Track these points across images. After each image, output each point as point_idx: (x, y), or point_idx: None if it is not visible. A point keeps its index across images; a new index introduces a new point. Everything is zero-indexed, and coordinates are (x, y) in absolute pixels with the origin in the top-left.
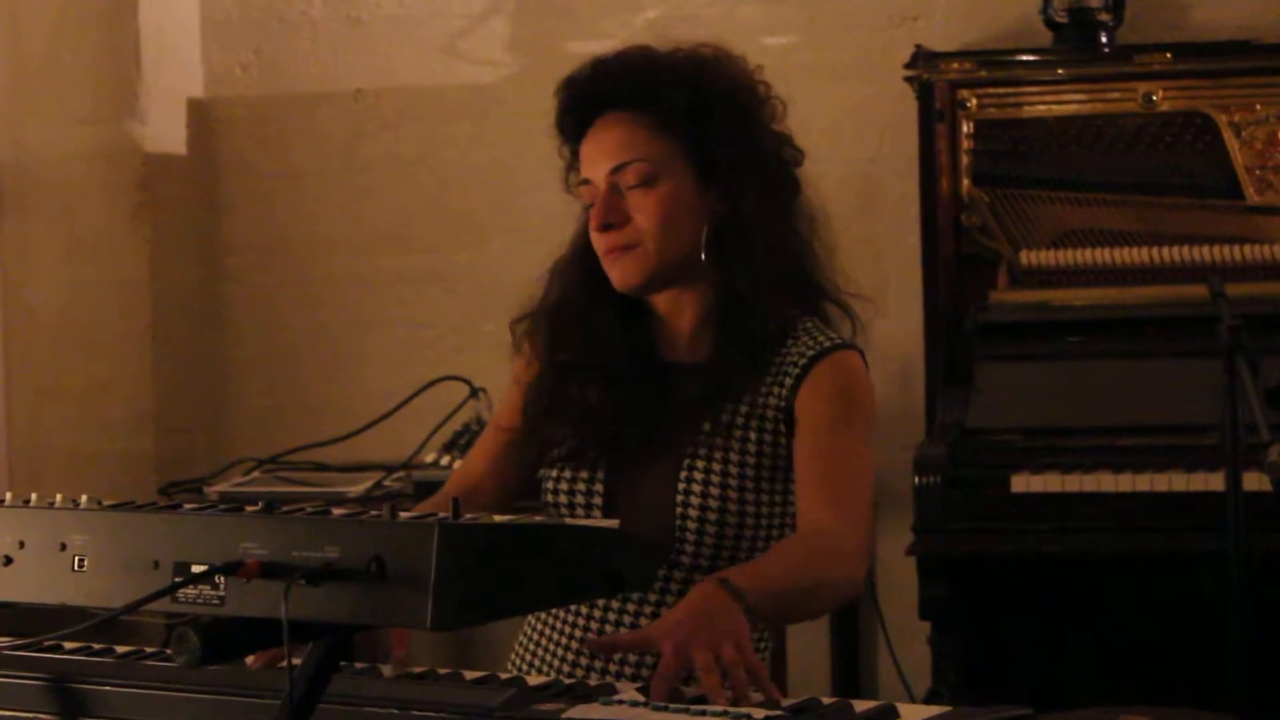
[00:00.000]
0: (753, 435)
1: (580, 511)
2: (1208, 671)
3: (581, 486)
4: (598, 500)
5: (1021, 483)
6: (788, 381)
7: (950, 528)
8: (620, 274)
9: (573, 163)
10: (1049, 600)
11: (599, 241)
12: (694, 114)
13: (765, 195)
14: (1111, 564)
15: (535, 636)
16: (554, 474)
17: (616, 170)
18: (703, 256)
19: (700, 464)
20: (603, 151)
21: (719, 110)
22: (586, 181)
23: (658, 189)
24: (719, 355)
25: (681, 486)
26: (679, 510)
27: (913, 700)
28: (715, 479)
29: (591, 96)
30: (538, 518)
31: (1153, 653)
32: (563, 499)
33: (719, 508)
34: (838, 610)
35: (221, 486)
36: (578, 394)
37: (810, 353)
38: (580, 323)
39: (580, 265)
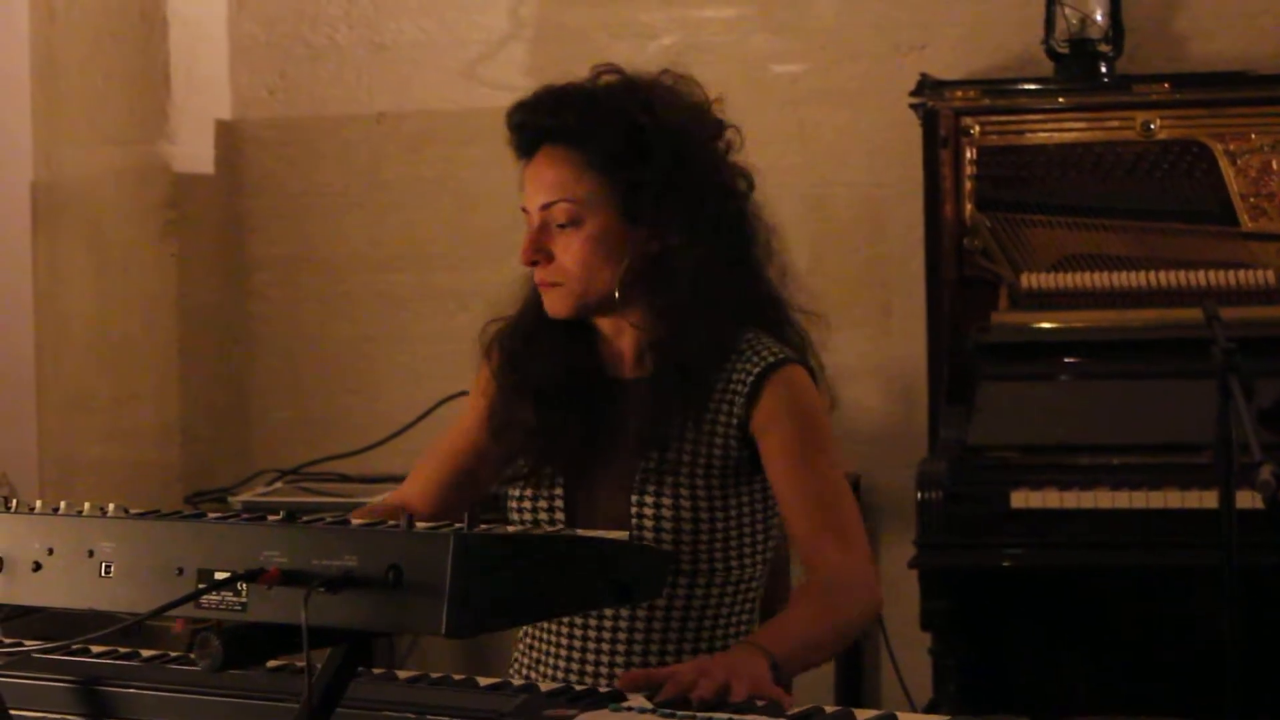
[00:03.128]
0: (703, 449)
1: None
2: (1202, 684)
3: (543, 504)
4: (559, 516)
5: (1021, 499)
6: (737, 399)
7: (952, 542)
8: (550, 305)
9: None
10: (1048, 613)
11: (535, 273)
12: (627, 155)
13: (699, 228)
14: (1108, 578)
15: (533, 643)
16: (515, 493)
17: (546, 207)
18: (616, 295)
19: (652, 479)
20: (537, 185)
21: (655, 150)
22: (523, 208)
23: (583, 230)
24: (657, 375)
25: (635, 498)
26: (634, 521)
27: (914, 710)
28: (665, 494)
29: (533, 127)
30: (549, 529)
31: (1150, 666)
32: (527, 516)
33: (672, 519)
34: None
35: (245, 496)
36: (529, 414)
37: (756, 369)
38: (530, 344)
39: (533, 286)
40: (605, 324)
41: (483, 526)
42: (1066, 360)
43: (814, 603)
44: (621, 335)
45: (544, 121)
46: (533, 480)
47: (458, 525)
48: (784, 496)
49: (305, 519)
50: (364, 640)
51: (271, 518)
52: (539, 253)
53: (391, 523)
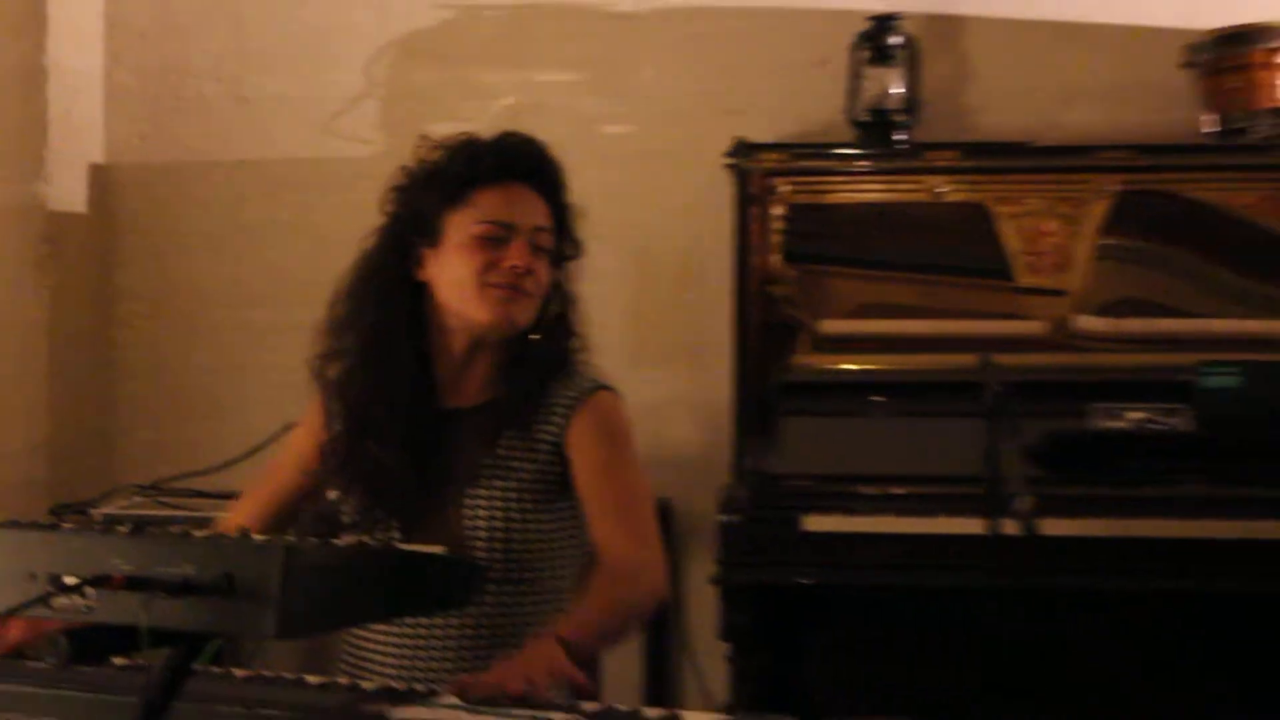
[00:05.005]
0: (528, 466)
1: None
2: (976, 689)
3: (384, 536)
4: (394, 532)
5: (813, 523)
6: (557, 419)
7: (749, 561)
8: (517, 314)
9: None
10: (836, 625)
11: (500, 276)
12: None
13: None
14: (891, 594)
15: (360, 646)
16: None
17: (539, 230)
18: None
19: (483, 494)
20: (531, 210)
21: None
22: (496, 222)
23: (546, 259)
24: (507, 397)
25: (468, 515)
26: (468, 536)
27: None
28: (498, 507)
29: (521, 162)
30: (373, 542)
31: (927, 672)
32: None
33: (504, 530)
34: (650, 629)
35: (106, 509)
36: (369, 454)
37: (574, 394)
38: (373, 380)
39: (385, 310)
40: (478, 348)
41: (311, 539)
42: (859, 399)
43: (604, 591)
44: (478, 359)
45: (529, 165)
46: (367, 520)
47: (288, 538)
48: (589, 502)
49: (151, 530)
50: (200, 641)
51: (120, 529)
52: (534, 262)
53: (228, 535)
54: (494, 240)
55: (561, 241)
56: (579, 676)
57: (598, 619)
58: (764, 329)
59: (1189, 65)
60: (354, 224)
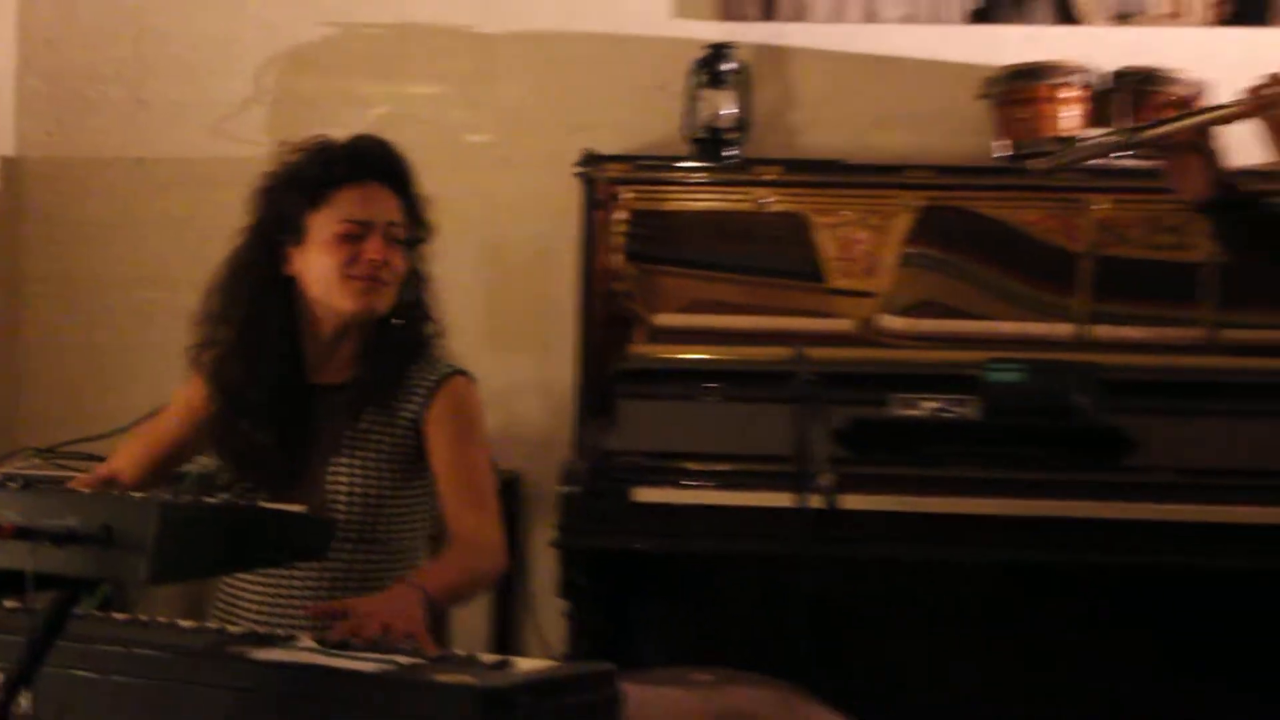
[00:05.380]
0: (386, 439)
1: None
2: (787, 643)
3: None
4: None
5: (644, 494)
6: (417, 400)
7: (586, 528)
8: (376, 301)
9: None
10: (663, 588)
11: (361, 269)
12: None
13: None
14: (713, 559)
15: (231, 594)
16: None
17: (392, 225)
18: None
19: (344, 463)
20: (382, 207)
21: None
22: (354, 220)
23: (400, 249)
24: (369, 376)
25: (330, 481)
26: (330, 500)
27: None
28: (358, 475)
29: (372, 163)
30: (240, 500)
31: (746, 629)
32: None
33: (362, 495)
34: (498, 587)
35: (4, 469)
36: (243, 432)
37: (434, 377)
38: (247, 367)
39: (257, 302)
40: (344, 330)
41: (185, 497)
42: (688, 386)
43: (457, 556)
44: (344, 340)
45: (381, 164)
46: (239, 487)
47: (164, 495)
48: (441, 478)
49: (40, 486)
50: (82, 585)
51: (11, 485)
52: (390, 254)
53: (109, 491)
54: (353, 236)
55: (413, 229)
56: (428, 643)
57: (452, 579)
58: (606, 321)
59: (985, 97)
60: (240, 219)
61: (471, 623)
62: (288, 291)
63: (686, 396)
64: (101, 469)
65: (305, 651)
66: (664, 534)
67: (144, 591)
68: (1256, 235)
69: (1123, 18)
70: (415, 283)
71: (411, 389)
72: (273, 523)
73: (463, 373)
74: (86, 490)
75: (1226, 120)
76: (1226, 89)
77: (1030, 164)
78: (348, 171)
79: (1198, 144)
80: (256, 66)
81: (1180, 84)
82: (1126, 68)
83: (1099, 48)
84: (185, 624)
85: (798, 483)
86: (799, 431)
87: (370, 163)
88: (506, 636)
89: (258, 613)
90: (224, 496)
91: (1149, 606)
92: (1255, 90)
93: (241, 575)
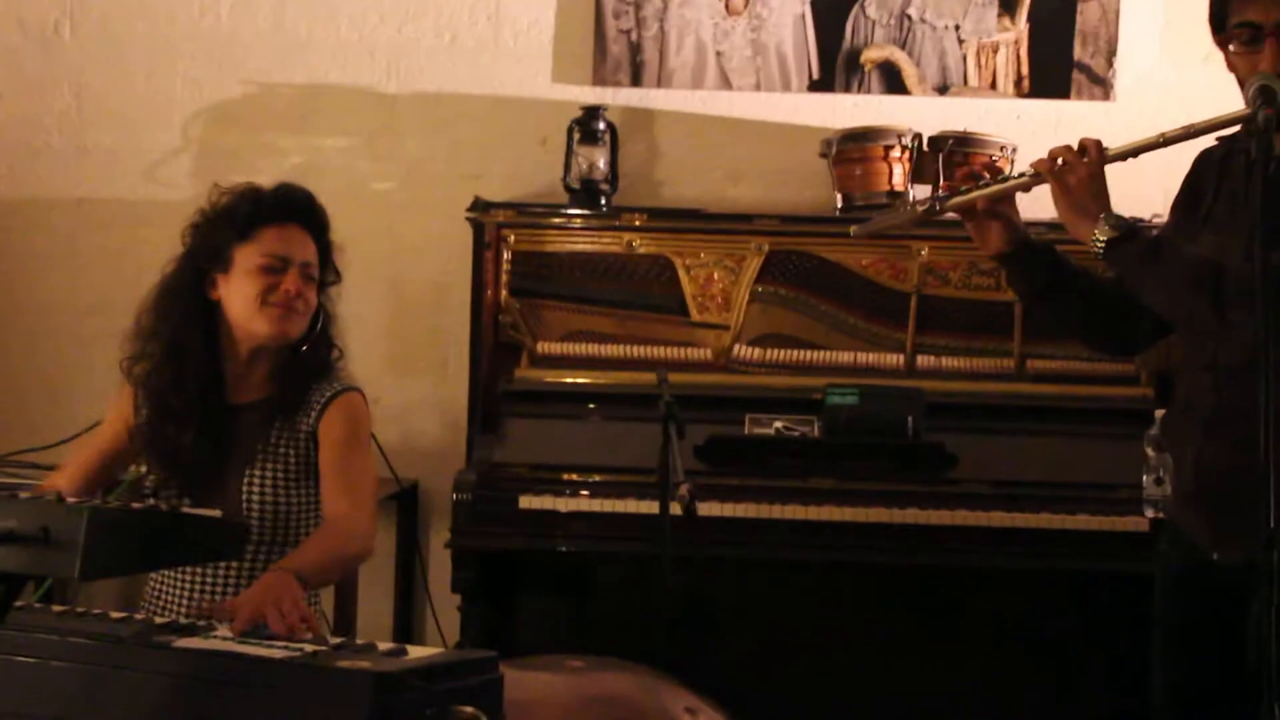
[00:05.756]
0: (293, 451)
1: None
2: (653, 633)
3: (175, 503)
4: (186, 499)
5: (527, 502)
6: (314, 414)
7: (476, 531)
8: (290, 326)
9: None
10: (546, 583)
11: (278, 298)
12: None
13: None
14: (588, 559)
15: (158, 589)
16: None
17: (308, 264)
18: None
19: (257, 473)
20: (300, 248)
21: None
22: (275, 255)
23: (314, 286)
24: (279, 395)
25: (244, 489)
26: (245, 506)
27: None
28: (268, 483)
29: (293, 207)
30: (163, 505)
31: (617, 621)
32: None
33: (272, 501)
34: (399, 583)
35: None
36: (169, 436)
37: (329, 393)
38: (174, 377)
39: (184, 322)
40: (257, 353)
41: (113, 501)
42: (567, 406)
43: (324, 539)
44: (258, 362)
45: (303, 210)
46: (164, 491)
47: (94, 501)
48: (324, 475)
49: None
50: (20, 580)
51: None
52: (305, 286)
53: (46, 497)
54: (273, 269)
55: (325, 271)
56: (312, 619)
57: (318, 558)
58: (494, 348)
59: (824, 155)
60: (169, 254)
61: (376, 615)
62: (212, 314)
63: (566, 415)
64: (48, 480)
65: (222, 640)
66: (545, 536)
67: (81, 586)
68: (1048, 287)
69: (942, 89)
70: (323, 317)
71: (311, 405)
72: (191, 526)
73: (355, 389)
74: (25, 496)
75: (1020, 188)
76: (1029, 150)
77: (853, 230)
78: (274, 212)
79: (995, 210)
80: (184, 119)
81: (990, 146)
82: (945, 132)
83: (922, 114)
84: (115, 615)
85: (662, 492)
86: (663, 447)
87: (294, 207)
88: (408, 627)
89: (182, 605)
90: (150, 501)
91: (968, 600)
92: (1043, 161)
93: (166, 572)
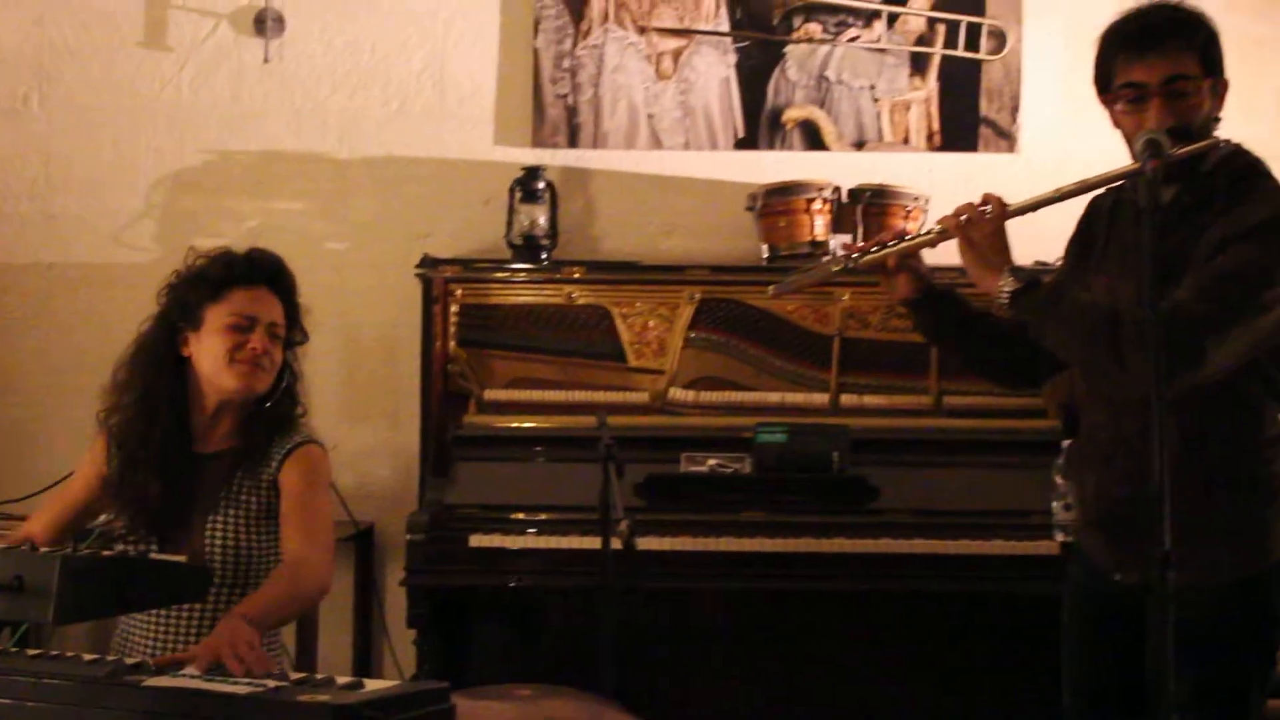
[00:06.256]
0: (255, 499)
1: None
2: (598, 661)
3: (143, 548)
4: (153, 544)
5: (477, 540)
6: (274, 463)
7: (429, 569)
8: (257, 382)
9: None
10: (496, 617)
11: (245, 355)
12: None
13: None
14: (534, 593)
15: (127, 631)
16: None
17: (274, 325)
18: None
19: (220, 519)
20: (268, 308)
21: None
22: (244, 314)
23: (280, 344)
24: (243, 446)
25: (209, 534)
26: (209, 551)
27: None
28: (230, 529)
29: (264, 271)
30: (132, 551)
31: (563, 650)
32: (129, 538)
33: (234, 546)
34: (358, 619)
35: None
36: (137, 484)
37: (290, 445)
38: (143, 428)
39: (155, 376)
40: (232, 405)
41: (85, 549)
42: (513, 449)
43: (282, 580)
44: (224, 416)
45: (272, 274)
46: (133, 536)
47: (65, 549)
48: (284, 520)
49: None
50: None
51: None
52: (272, 345)
53: (21, 546)
54: (241, 328)
55: (291, 331)
56: (264, 659)
57: (274, 601)
58: (444, 396)
59: (750, 209)
60: (135, 314)
61: (336, 650)
62: (182, 369)
63: (512, 458)
64: (23, 529)
65: (189, 678)
66: (495, 572)
67: (55, 630)
68: (951, 330)
69: (859, 145)
70: (288, 374)
71: (272, 455)
72: (158, 571)
73: (315, 442)
74: (2, 545)
75: (928, 244)
76: (941, 200)
77: (771, 290)
78: (244, 274)
79: (903, 264)
80: (148, 186)
81: (905, 198)
82: (863, 185)
83: (840, 169)
84: (88, 657)
85: (603, 528)
86: (604, 485)
87: (263, 270)
88: (367, 661)
89: (150, 646)
90: (119, 548)
91: (893, 623)
92: (949, 218)
93: (135, 615)
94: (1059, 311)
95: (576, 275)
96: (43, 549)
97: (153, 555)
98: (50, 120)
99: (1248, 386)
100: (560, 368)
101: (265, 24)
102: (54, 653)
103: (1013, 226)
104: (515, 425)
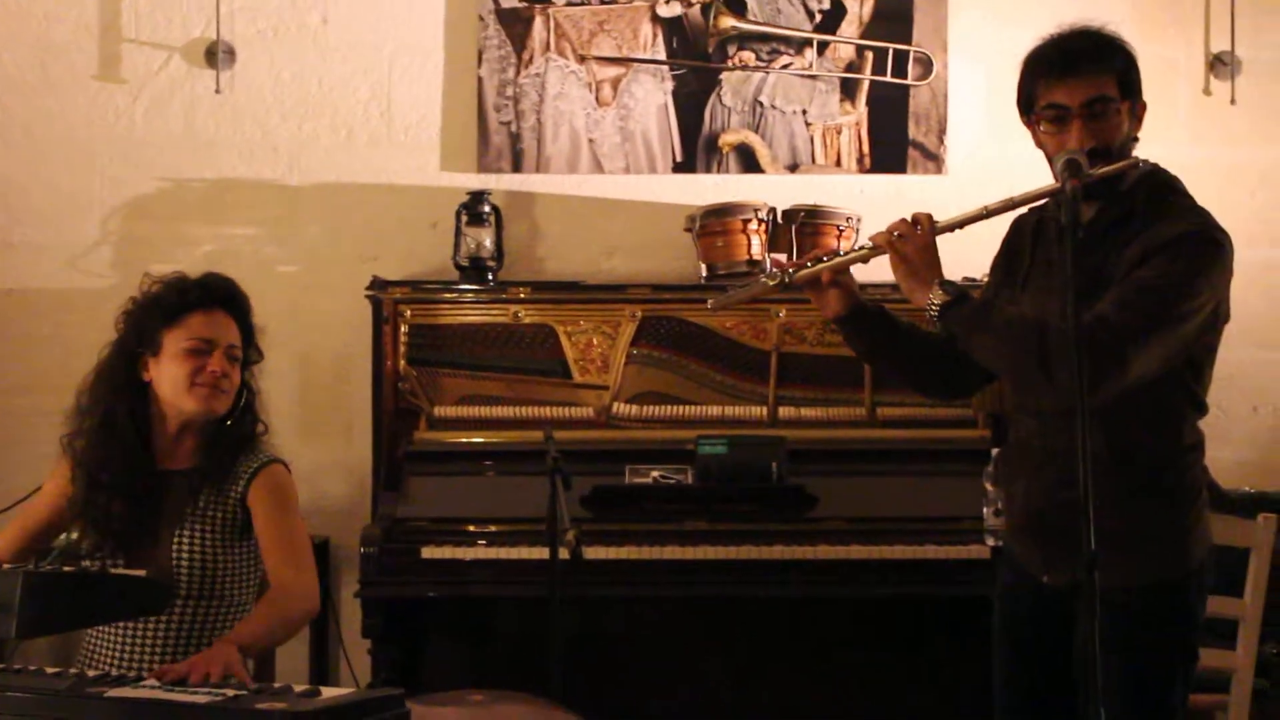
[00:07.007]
0: (219, 515)
1: None
2: (548, 667)
3: (106, 563)
4: (120, 558)
5: (429, 552)
6: (241, 482)
7: (383, 580)
8: (216, 403)
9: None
10: (449, 625)
11: (204, 378)
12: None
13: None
14: (486, 603)
15: (93, 643)
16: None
17: (232, 346)
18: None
19: (185, 535)
20: (225, 331)
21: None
22: (201, 339)
23: (238, 365)
24: (206, 464)
25: (174, 549)
26: (174, 566)
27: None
28: (196, 544)
29: (219, 295)
30: (94, 566)
31: (514, 657)
32: (96, 553)
33: (200, 561)
34: (314, 630)
35: None
36: (101, 504)
37: (255, 464)
38: (105, 451)
39: (115, 401)
40: (185, 425)
41: (47, 565)
42: (463, 463)
43: (270, 606)
44: (186, 433)
45: (227, 297)
46: (99, 554)
47: (28, 565)
48: (263, 541)
49: None
50: None
51: None
52: (231, 368)
53: None
54: (199, 351)
55: (248, 351)
56: (244, 676)
57: (264, 626)
58: (395, 413)
59: (689, 230)
60: (93, 338)
61: (293, 660)
62: (143, 393)
63: (463, 472)
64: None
65: (150, 689)
66: (447, 583)
67: (17, 644)
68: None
69: (792, 168)
70: (247, 393)
71: (239, 474)
72: (119, 585)
73: (280, 461)
74: None
75: (860, 260)
76: (871, 220)
77: (710, 305)
78: (199, 299)
79: (836, 280)
80: (104, 214)
81: (837, 217)
82: (796, 205)
83: (775, 191)
84: (51, 670)
85: (551, 539)
86: (552, 497)
87: (218, 294)
88: (323, 670)
89: (114, 659)
90: (81, 564)
91: (832, 626)
92: (881, 235)
93: (101, 628)
94: (987, 324)
95: (522, 295)
96: (5, 565)
97: (113, 570)
98: (7, 151)
99: (1169, 397)
100: (508, 384)
101: (217, 56)
102: (17, 667)
103: (941, 244)
104: (465, 440)
